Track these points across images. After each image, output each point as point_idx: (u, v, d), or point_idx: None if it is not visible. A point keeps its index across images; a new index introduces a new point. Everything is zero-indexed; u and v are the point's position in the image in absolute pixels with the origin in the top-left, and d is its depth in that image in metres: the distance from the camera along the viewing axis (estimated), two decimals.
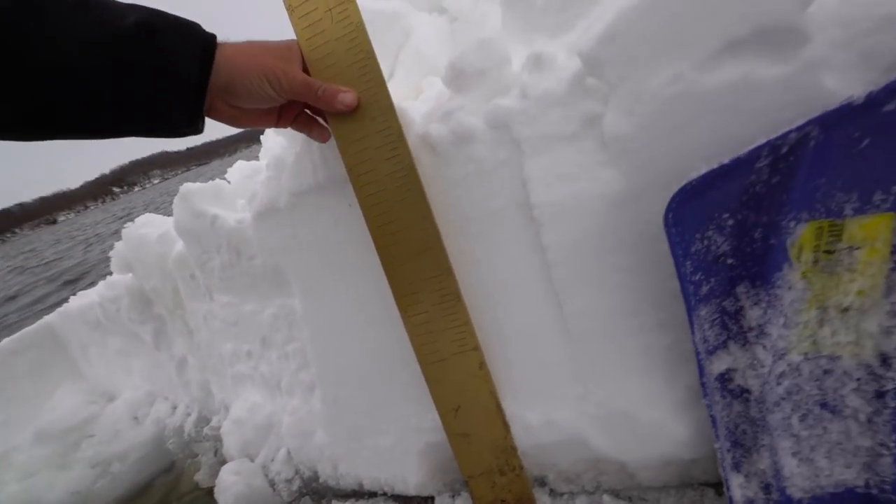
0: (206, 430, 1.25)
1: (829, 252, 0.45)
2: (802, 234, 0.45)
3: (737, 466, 0.55)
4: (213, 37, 0.48)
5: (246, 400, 1.09)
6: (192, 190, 0.95)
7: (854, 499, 0.54)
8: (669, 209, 0.43)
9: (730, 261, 0.47)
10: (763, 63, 0.45)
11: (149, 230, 1.16)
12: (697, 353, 0.50)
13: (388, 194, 0.62)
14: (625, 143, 0.51)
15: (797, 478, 0.54)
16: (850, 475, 0.54)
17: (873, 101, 0.35)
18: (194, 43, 0.45)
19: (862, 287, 0.46)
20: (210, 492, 1.09)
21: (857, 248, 0.45)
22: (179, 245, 1.10)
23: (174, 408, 1.38)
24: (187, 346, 1.27)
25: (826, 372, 0.51)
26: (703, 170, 0.41)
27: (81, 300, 1.50)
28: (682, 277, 0.47)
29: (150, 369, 1.42)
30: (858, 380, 0.50)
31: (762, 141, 0.39)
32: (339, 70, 0.58)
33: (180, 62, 0.44)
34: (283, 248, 0.85)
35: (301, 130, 0.63)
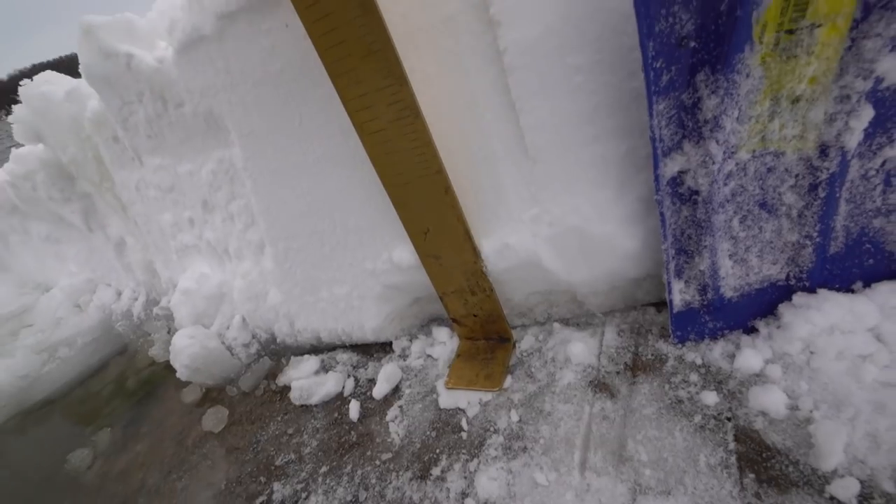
0: (156, 310, 1.21)
1: (790, 32, 0.44)
2: (768, 9, 0.42)
3: (679, 273, 0.58)
4: None
5: (193, 271, 1.04)
6: (98, 24, 0.81)
7: (775, 291, 0.59)
8: None
9: (692, 44, 0.45)
10: None
11: (52, 88, 1.00)
12: (655, 149, 0.49)
13: (334, 4, 0.54)
14: None
15: (731, 278, 0.58)
16: (775, 270, 0.58)
17: None
18: None
19: (816, 72, 0.46)
20: (167, 365, 1.08)
21: (819, 27, 0.43)
22: (94, 102, 0.97)
23: (119, 293, 1.32)
24: (123, 224, 1.18)
25: (769, 170, 0.52)
26: None
27: None
28: (645, 61, 0.44)
29: (85, 255, 1.32)
30: (797, 175, 0.52)
31: None
32: None
33: None
34: (215, 87, 0.76)
35: None
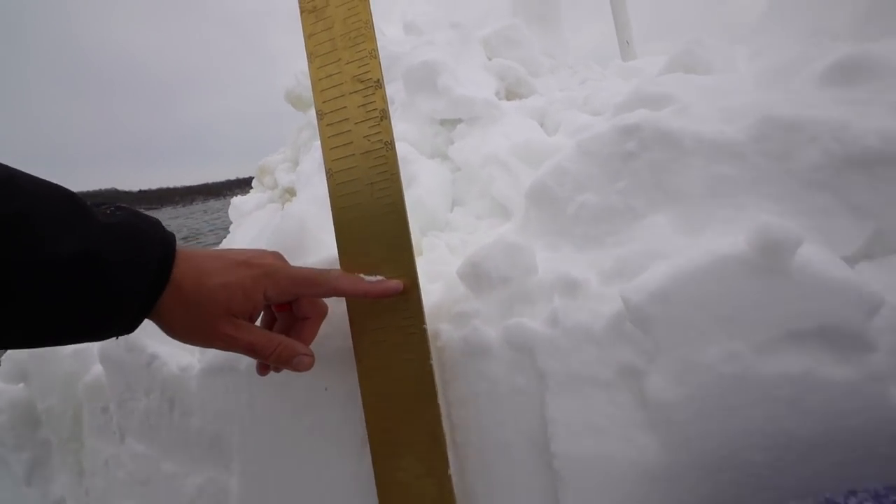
0: None
1: None
2: None
3: None
4: (169, 267, 0.42)
5: None
6: None
7: None
8: None
9: None
10: (827, 362, 0.41)
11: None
12: None
13: (397, 399, 0.52)
14: (669, 412, 0.45)
15: None
16: None
17: None
18: (143, 272, 0.40)
19: None
20: None
21: None
22: (97, 369, 0.91)
23: None
24: (70, 487, 1.01)
25: None
26: None
27: None
28: None
29: None
30: None
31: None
32: (370, 252, 0.53)
33: (122, 303, 0.39)
34: (232, 416, 0.70)
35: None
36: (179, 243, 0.45)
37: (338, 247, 0.55)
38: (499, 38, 1.46)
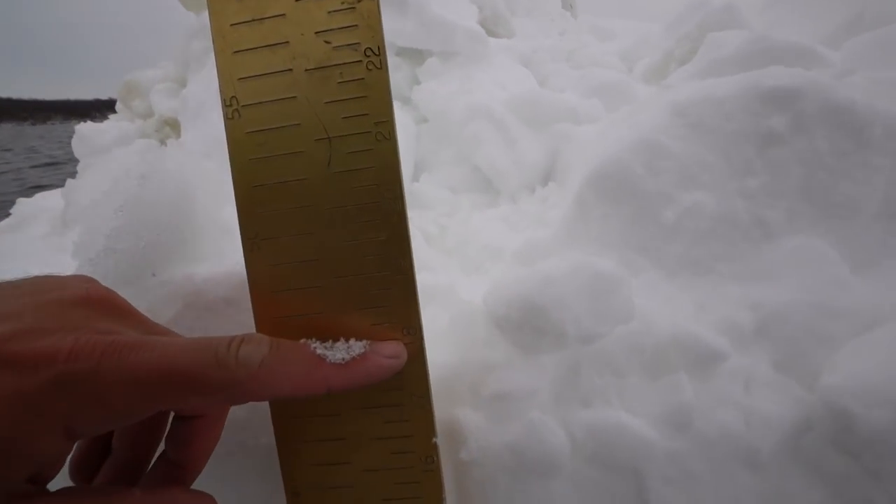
0: None
1: None
2: None
3: None
4: None
5: None
6: None
7: None
8: None
9: None
10: None
11: None
12: None
13: None
14: None
15: None
16: None
17: None
18: None
19: None
20: None
21: None
22: None
23: None
24: None
25: None
26: None
27: None
28: None
29: None
30: None
31: None
32: (325, 284, 0.24)
33: None
34: None
35: None
36: None
37: (247, 272, 0.25)
38: None
